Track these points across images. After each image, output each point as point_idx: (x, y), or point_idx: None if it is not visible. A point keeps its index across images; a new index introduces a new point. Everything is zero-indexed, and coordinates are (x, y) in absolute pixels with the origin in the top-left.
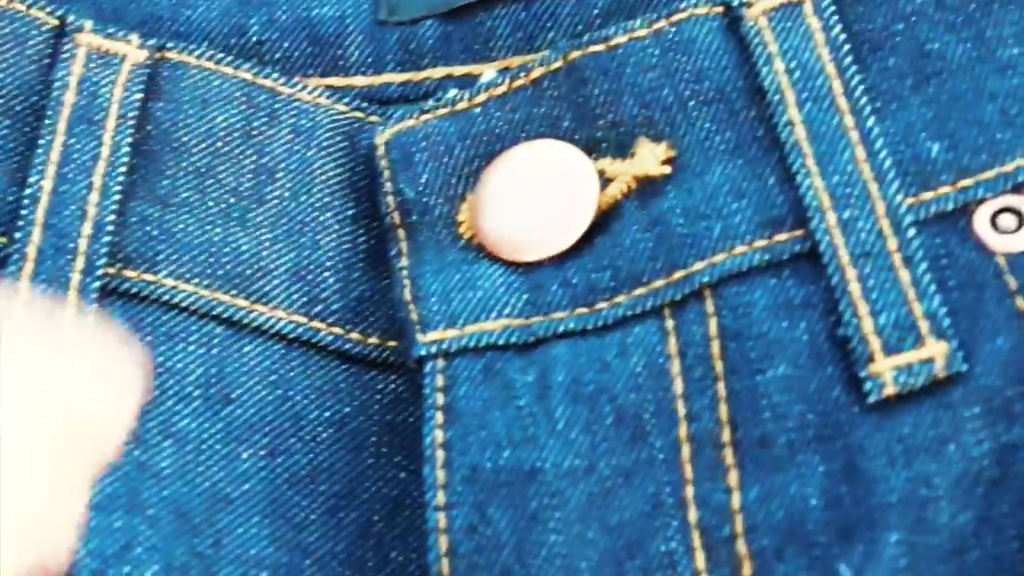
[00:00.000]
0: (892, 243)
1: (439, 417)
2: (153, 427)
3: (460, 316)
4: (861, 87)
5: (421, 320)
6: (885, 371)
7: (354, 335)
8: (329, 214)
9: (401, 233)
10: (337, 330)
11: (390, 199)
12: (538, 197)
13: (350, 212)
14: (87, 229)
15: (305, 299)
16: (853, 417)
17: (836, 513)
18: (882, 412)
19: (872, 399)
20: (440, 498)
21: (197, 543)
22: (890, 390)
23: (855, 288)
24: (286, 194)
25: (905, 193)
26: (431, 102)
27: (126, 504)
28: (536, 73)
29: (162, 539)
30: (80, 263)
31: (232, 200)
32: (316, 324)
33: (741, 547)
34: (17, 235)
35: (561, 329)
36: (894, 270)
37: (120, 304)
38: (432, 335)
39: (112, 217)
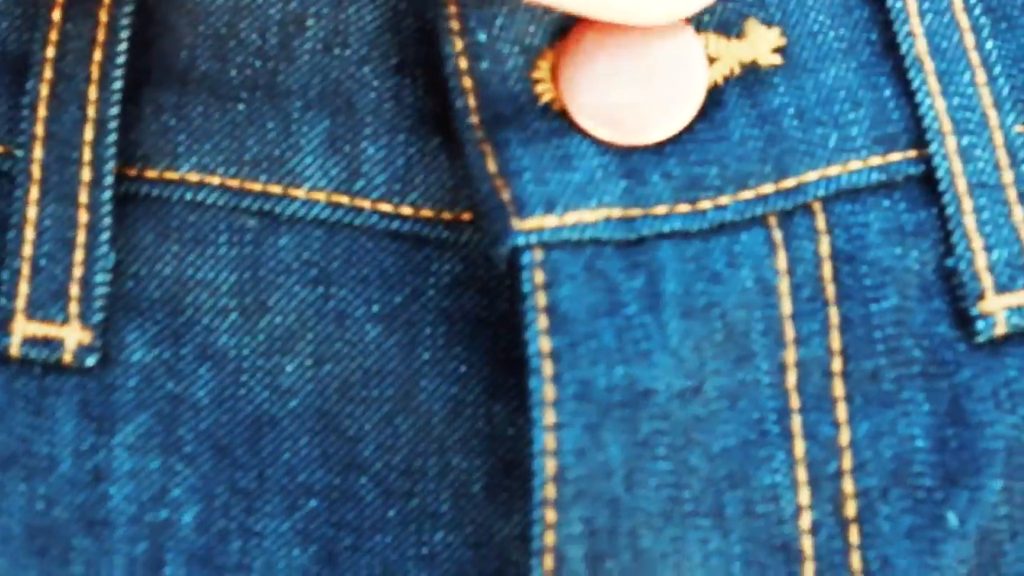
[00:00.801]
0: (1007, 176)
1: (543, 321)
2: (187, 353)
3: (559, 200)
4: (980, 4)
5: (516, 200)
6: (996, 310)
7: (404, 209)
8: (367, 68)
9: (468, 83)
10: (384, 206)
11: (458, 42)
12: (636, 69)
13: (392, 62)
14: (88, 134)
15: (345, 174)
16: (959, 356)
17: (942, 456)
18: (989, 352)
19: (981, 339)
20: (549, 417)
21: (239, 478)
22: (1000, 330)
23: (970, 220)
24: (318, 47)
25: (1017, 121)
26: None
27: (161, 443)
28: None
29: (201, 478)
30: (87, 174)
31: (257, 63)
32: (359, 202)
33: (847, 485)
34: (19, 152)
35: (665, 228)
36: (1009, 205)
37: (142, 211)
38: (531, 221)
39: (114, 111)
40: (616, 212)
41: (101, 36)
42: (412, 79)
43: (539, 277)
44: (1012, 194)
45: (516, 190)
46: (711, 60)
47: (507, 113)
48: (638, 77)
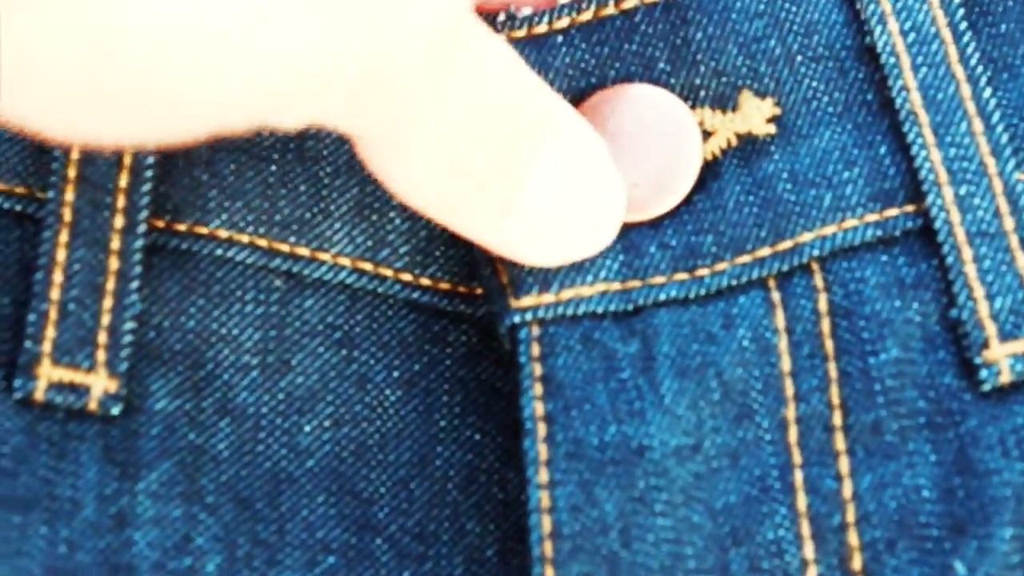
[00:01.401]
0: (1009, 223)
1: (538, 388)
2: (209, 406)
3: (555, 279)
4: (977, 54)
5: (512, 282)
6: (1000, 358)
7: (424, 281)
8: None
9: None
10: (406, 276)
11: None
12: (635, 149)
13: None
14: (123, 180)
15: (370, 242)
16: (965, 405)
17: (949, 506)
18: (996, 401)
19: (986, 387)
20: (543, 475)
21: (260, 530)
22: (1006, 378)
23: (971, 269)
24: None
25: (1018, 169)
26: (502, 17)
27: (184, 492)
28: (628, 4)
29: (223, 528)
30: (119, 221)
31: None
32: (382, 270)
33: (852, 538)
34: (51, 193)
35: (662, 297)
36: (1011, 252)
37: (169, 263)
38: (526, 300)
39: (150, 160)
40: (614, 286)
41: None
42: None
43: (535, 350)
44: (1014, 241)
45: (513, 271)
46: (708, 134)
47: None
48: (635, 159)
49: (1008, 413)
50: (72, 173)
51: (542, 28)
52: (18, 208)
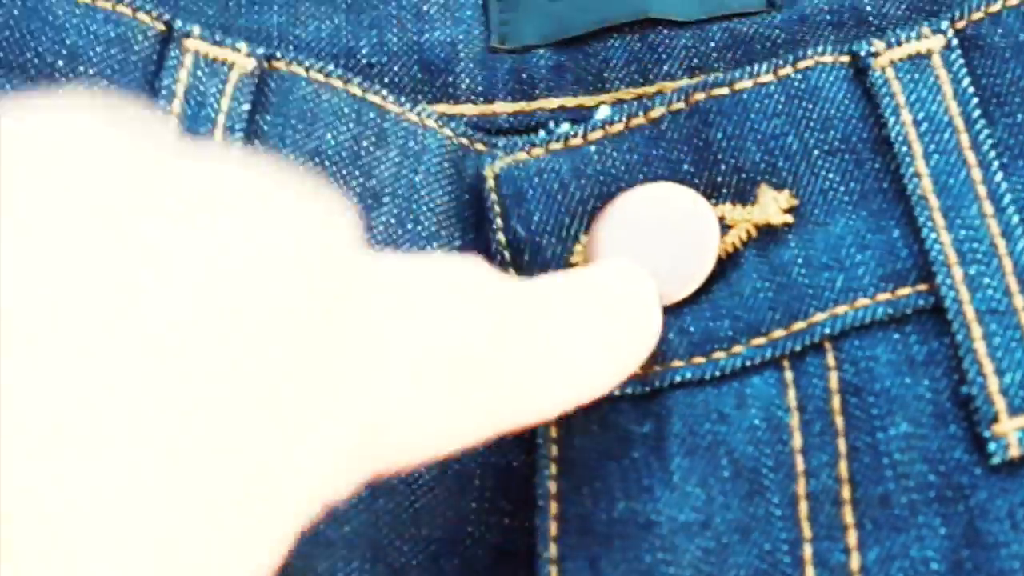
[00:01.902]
0: (1019, 301)
1: (553, 468)
2: None
3: None
4: (989, 141)
5: None
6: (1009, 432)
7: None
8: (435, 244)
9: (512, 273)
10: None
11: (501, 236)
12: (658, 243)
13: (456, 244)
14: None
15: None
16: (975, 479)
17: None
18: (1005, 474)
19: (995, 461)
20: (553, 551)
21: None
22: (1014, 452)
23: (980, 346)
24: (392, 220)
25: None
26: (543, 134)
27: None
28: (656, 113)
29: None
30: None
31: None
32: None
33: None
34: None
35: (678, 379)
36: (1020, 329)
37: None
38: None
39: None
40: (634, 371)
41: None
42: None
43: (553, 432)
44: None
45: None
46: (729, 227)
47: None
48: (658, 250)
49: (1018, 486)
50: None
51: (577, 140)
52: None
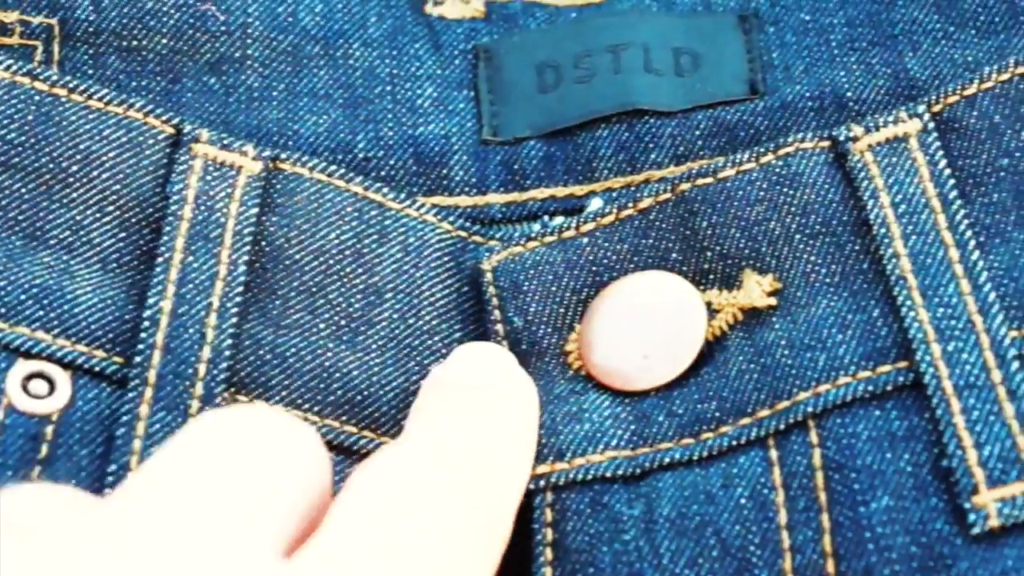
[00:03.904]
0: (996, 376)
1: (548, 554)
2: None
3: (568, 449)
4: (966, 221)
5: None
6: (989, 503)
7: None
8: (437, 338)
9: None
10: None
11: (499, 327)
12: (647, 328)
13: (456, 335)
14: (206, 354)
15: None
16: (956, 549)
17: None
18: (986, 545)
19: (976, 531)
20: None
21: None
22: (994, 522)
23: (959, 420)
24: (395, 316)
25: (1009, 326)
26: (537, 227)
27: None
28: (644, 204)
29: None
30: (199, 389)
31: (342, 322)
32: None
33: None
34: (137, 359)
35: (667, 460)
36: (999, 402)
37: None
38: (541, 468)
39: (229, 341)
40: (624, 453)
41: (222, 273)
42: None
43: (548, 515)
44: (1002, 392)
45: None
46: (716, 311)
47: (540, 384)
48: (647, 337)
49: (998, 556)
50: (160, 342)
51: (570, 233)
52: (97, 368)
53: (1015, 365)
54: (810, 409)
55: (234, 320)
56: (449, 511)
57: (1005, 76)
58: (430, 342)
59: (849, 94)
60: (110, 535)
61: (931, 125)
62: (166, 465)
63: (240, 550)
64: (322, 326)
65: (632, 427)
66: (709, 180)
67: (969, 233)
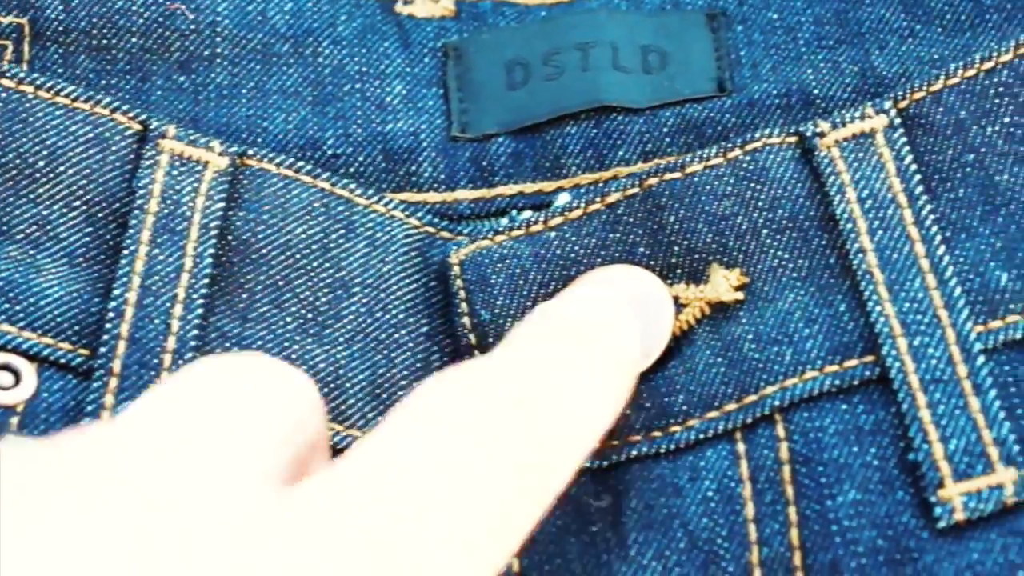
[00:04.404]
0: (962, 370)
1: None
2: None
3: None
4: (931, 217)
5: None
6: (955, 497)
7: None
8: (404, 331)
9: (477, 355)
10: None
11: (466, 320)
12: None
13: (424, 329)
14: (171, 344)
15: (381, 419)
16: (922, 543)
17: None
18: (952, 538)
19: (942, 525)
20: None
21: None
22: (960, 516)
23: (925, 414)
24: (361, 310)
25: (974, 321)
26: (505, 222)
27: None
28: (612, 198)
29: None
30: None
31: (309, 316)
32: None
33: None
34: (102, 349)
35: (634, 453)
36: (964, 397)
37: None
38: None
39: (195, 332)
40: None
41: (188, 265)
42: (439, 347)
43: None
44: (967, 386)
45: None
46: (683, 306)
47: None
48: None
49: (963, 549)
50: (125, 332)
51: (538, 227)
52: (63, 360)
53: (980, 359)
54: (777, 403)
55: (200, 312)
56: (503, 448)
57: (971, 72)
58: (397, 336)
59: (816, 92)
60: (92, 458)
61: (897, 121)
62: (153, 401)
63: (231, 474)
64: (288, 319)
65: None
66: (677, 175)
67: (935, 228)
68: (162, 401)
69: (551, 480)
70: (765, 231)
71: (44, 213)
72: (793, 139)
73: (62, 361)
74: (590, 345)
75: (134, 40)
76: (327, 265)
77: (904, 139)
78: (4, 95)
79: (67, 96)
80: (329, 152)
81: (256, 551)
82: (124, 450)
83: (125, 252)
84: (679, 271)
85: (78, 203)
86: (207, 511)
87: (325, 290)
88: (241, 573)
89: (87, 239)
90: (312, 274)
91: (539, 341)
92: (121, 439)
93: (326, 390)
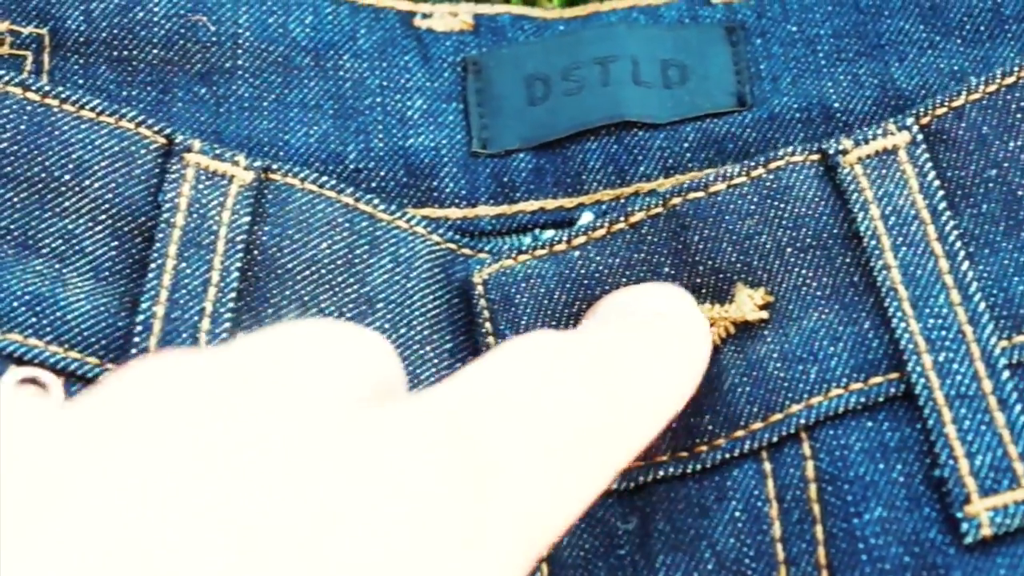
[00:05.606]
0: (987, 385)
1: (544, 569)
2: None
3: None
4: (955, 232)
5: None
6: (981, 512)
7: None
8: (428, 347)
9: None
10: None
11: (490, 340)
12: None
13: (448, 346)
14: None
15: None
16: (949, 559)
17: None
18: (978, 554)
19: (968, 540)
20: None
21: None
22: (986, 531)
23: (951, 430)
24: (386, 325)
25: (999, 336)
26: (527, 241)
27: None
28: (635, 218)
29: None
30: None
31: None
32: None
33: None
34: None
35: (661, 473)
36: (990, 412)
37: None
38: None
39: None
40: None
41: (215, 279)
42: (464, 364)
43: None
44: (992, 402)
45: None
46: (709, 326)
47: None
48: None
49: (991, 565)
50: (153, 346)
51: (561, 246)
52: (90, 375)
53: (1005, 375)
54: (803, 421)
55: (227, 325)
56: (590, 403)
57: (992, 87)
58: (422, 352)
59: (836, 105)
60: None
61: (919, 137)
62: (237, 347)
63: (324, 397)
64: None
65: None
66: (700, 194)
67: (959, 244)
68: (261, 340)
69: (623, 445)
70: (789, 249)
71: (70, 227)
72: (816, 157)
73: (89, 375)
74: (669, 333)
75: (155, 52)
76: (352, 280)
77: (927, 155)
78: (29, 108)
79: (92, 110)
80: (351, 166)
81: (370, 446)
82: (240, 366)
83: (152, 266)
84: (704, 291)
85: (104, 217)
86: (323, 416)
87: (350, 305)
88: (355, 465)
89: (113, 253)
90: (337, 289)
91: (625, 323)
92: (234, 359)
93: None
